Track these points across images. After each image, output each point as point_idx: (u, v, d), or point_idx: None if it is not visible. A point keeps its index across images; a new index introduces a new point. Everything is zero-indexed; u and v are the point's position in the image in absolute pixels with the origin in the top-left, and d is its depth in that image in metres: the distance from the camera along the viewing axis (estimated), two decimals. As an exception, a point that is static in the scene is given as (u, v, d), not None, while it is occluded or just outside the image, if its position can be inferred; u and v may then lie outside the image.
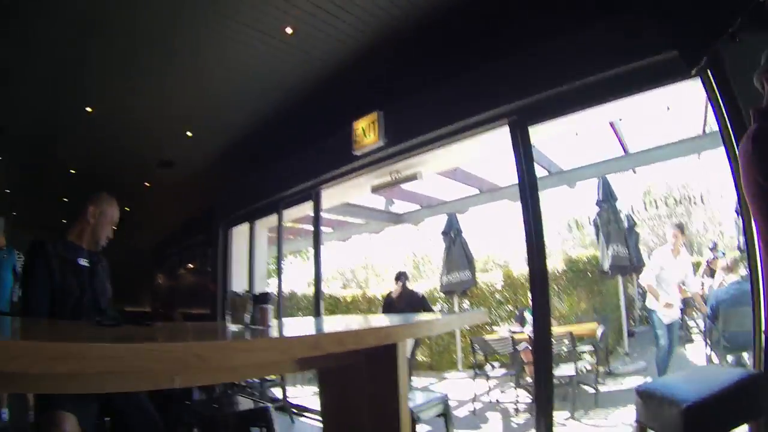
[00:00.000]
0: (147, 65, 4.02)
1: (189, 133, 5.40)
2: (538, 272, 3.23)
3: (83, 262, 2.20)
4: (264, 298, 1.65)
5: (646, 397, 1.82)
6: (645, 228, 15.16)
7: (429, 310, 6.05)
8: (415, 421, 2.11)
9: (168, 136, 5.49)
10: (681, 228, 4.75)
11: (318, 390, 2.17)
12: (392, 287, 6.36)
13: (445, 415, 2.38)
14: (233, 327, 1.61)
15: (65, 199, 7.60)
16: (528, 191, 3.31)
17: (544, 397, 3.12)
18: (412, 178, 4.59)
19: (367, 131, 4.10)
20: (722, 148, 2.56)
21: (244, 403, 2.65)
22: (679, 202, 15.86)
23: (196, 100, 4.68)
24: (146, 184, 7.05)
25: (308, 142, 4.94)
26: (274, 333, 1.58)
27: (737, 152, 2.56)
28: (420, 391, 2.49)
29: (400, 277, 6.25)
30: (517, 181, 3.44)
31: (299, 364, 1.71)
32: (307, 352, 1.29)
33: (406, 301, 6.07)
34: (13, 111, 4.69)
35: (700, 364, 5.26)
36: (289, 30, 3.53)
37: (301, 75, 4.26)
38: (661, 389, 1.78)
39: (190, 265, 8.14)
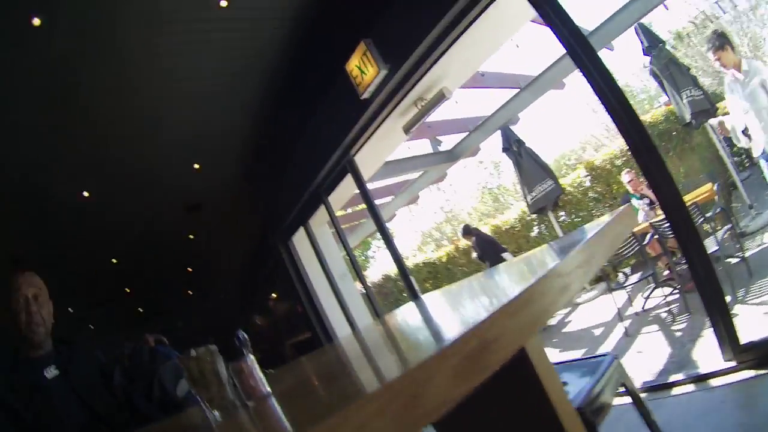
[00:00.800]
0: (117, 128, 3.83)
1: (196, 165, 5.13)
2: (636, 136, 2.50)
3: (50, 372, 1.61)
4: (238, 348, 0.97)
5: None
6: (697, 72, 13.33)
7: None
8: (593, 423, 1.11)
9: (179, 179, 5.22)
10: (722, 41, 3.36)
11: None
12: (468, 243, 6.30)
13: (625, 384, 1.32)
14: (213, 415, 0.90)
15: (126, 289, 7.73)
16: (582, 52, 2.57)
17: (709, 283, 2.43)
18: (440, 98, 3.91)
19: (363, 67, 3.48)
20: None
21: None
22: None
23: (182, 129, 4.34)
24: (190, 237, 6.90)
25: (315, 115, 4.41)
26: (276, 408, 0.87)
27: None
28: (570, 370, 1.34)
29: (469, 230, 6.08)
30: (556, 58, 2.73)
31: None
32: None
33: (490, 249, 5.85)
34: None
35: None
36: (223, 2, 3.15)
37: (275, 46, 3.85)
38: None
39: (273, 295, 8.04)
